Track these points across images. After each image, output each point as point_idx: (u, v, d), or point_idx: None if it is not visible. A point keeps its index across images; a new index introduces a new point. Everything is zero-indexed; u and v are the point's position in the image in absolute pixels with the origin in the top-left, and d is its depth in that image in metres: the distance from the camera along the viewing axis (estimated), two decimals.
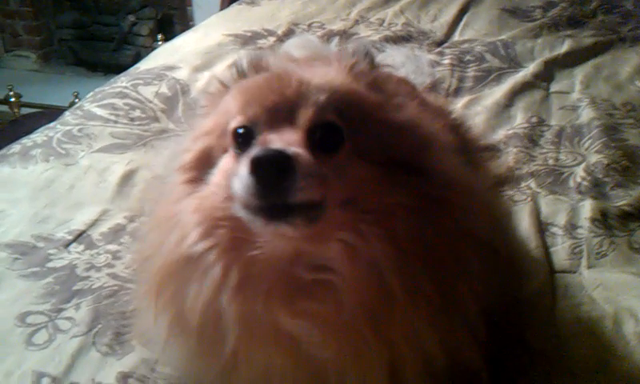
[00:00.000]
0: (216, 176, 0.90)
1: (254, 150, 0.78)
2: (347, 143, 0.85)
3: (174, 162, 1.00)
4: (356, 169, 0.85)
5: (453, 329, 0.89)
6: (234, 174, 0.81)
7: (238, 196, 0.80)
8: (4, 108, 4.07)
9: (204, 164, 0.92)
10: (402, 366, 0.87)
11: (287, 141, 0.81)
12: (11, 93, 4.01)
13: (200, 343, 0.90)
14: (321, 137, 0.84)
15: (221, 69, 2.12)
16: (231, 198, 0.83)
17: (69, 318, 1.20)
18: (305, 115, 0.85)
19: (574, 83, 2.08)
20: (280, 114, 0.86)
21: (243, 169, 0.78)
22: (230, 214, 0.84)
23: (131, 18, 4.88)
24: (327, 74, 0.94)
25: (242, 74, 1.00)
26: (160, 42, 4.09)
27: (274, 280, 0.84)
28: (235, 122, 0.88)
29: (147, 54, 2.53)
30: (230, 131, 0.89)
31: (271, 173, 0.75)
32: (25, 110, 4.01)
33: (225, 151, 0.90)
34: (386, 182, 0.86)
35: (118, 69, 2.66)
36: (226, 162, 0.89)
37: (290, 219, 0.78)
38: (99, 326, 1.18)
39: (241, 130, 0.87)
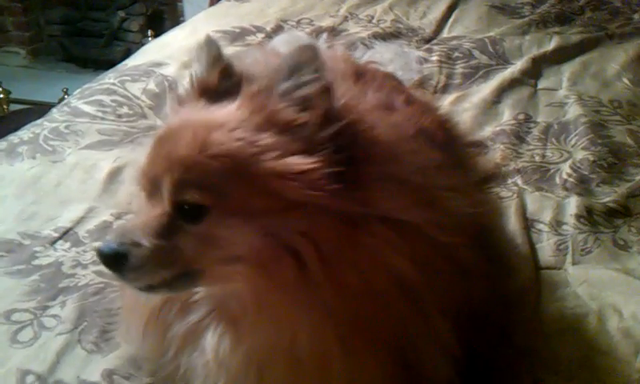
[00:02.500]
0: None
1: (101, 241, 0.90)
2: (215, 209, 0.84)
3: None
4: (228, 229, 0.84)
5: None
6: None
7: None
8: None
9: None
10: None
11: (143, 222, 0.87)
12: (0, 89, 3.99)
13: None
14: (185, 209, 0.85)
15: None
16: None
17: (54, 316, 1.20)
18: (165, 193, 0.86)
19: (561, 80, 2.08)
20: (153, 186, 0.88)
21: None
22: None
23: (121, 13, 4.85)
24: (190, 143, 0.85)
25: (180, 101, 0.99)
26: (150, 38, 4.07)
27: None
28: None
29: (137, 49, 2.52)
30: None
31: (110, 266, 0.86)
32: (14, 107, 3.99)
33: None
34: (277, 227, 0.84)
35: (108, 65, 2.63)
36: None
37: (155, 292, 0.91)
38: (85, 323, 1.18)
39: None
